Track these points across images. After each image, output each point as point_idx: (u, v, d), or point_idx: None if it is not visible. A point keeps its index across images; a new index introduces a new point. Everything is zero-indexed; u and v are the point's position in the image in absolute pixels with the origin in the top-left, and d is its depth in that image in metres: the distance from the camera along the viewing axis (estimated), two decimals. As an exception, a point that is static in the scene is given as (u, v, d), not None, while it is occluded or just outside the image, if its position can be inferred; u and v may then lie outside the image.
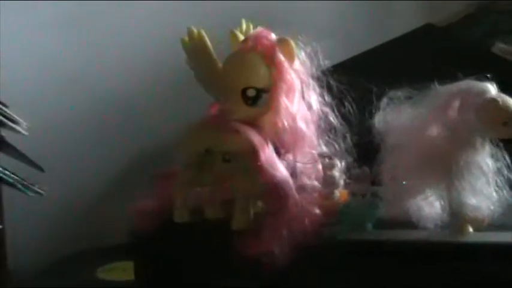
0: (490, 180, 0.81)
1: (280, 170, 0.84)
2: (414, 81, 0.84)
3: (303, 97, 0.87)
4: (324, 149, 0.89)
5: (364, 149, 0.87)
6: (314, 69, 0.87)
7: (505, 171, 0.81)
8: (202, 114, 0.93)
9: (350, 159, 0.87)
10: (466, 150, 0.81)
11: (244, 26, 0.92)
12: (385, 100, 0.85)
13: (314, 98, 0.88)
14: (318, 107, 0.88)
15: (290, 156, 0.87)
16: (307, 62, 0.87)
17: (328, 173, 0.88)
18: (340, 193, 0.89)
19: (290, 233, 0.81)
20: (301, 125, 0.86)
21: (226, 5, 1.53)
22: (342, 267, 0.80)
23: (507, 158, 0.82)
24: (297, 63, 0.87)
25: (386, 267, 0.79)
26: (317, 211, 0.84)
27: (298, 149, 0.86)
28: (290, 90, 0.86)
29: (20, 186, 0.99)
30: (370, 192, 0.85)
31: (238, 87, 0.85)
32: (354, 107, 0.87)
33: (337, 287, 0.80)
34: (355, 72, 0.84)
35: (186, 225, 0.89)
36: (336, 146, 0.88)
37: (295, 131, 0.86)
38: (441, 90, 0.83)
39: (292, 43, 0.86)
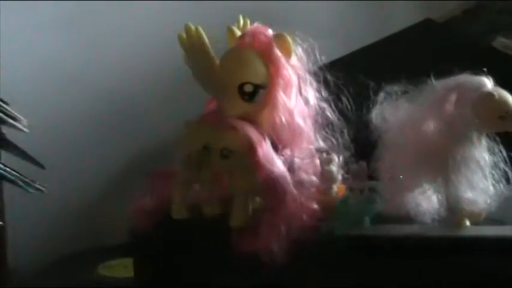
0: (487, 174, 0.81)
1: (278, 165, 0.84)
2: (413, 77, 0.84)
3: (300, 92, 0.87)
4: (322, 144, 0.88)
5: (361, 143, 0.87)
6: (311, 65, 0.87)
7: (502, 165, 0.81)
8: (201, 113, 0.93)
9: (348, 154, 0.87)
10: (462, 145, 0.80)
11: (241, 22, 0.92)
12: (382, 95, 0.85)
13: (311, 93, 0.87)
14: (315, 102, 0.87)
15: (288, 152, 0.86)
16: (304, 58, 0.87)
17: (326, 168, 0.88)
18: (338, 188, 0.89)
19: (288, 228, 0.81)
20: (299, 120, 0.86)
21: (226, 5, 1.53)
22: (340, 262, 0.79)
23: (504, 152, 0.81)
24: (294, 59, 0.86)
25: (384, 262, 0.79)
26: (315, 206, 0.84)
27: (295, 144, 0.86)
28: (287, 86, 0.85)
29: (21, 183, 0.99)
30: (368, 187, 0.85)
31: (235, 82, 0.84)
32: (351, 102, 0.87)
33: (336, 283, 0.80)
34: (353, 67, 0.84)
35: (184, 222, 0.89)
36: (334, 141, 0.88)
37: (292, 126, 0.85)
38: (438, 84, 0.83)
39: (289, 39, 0.86)
